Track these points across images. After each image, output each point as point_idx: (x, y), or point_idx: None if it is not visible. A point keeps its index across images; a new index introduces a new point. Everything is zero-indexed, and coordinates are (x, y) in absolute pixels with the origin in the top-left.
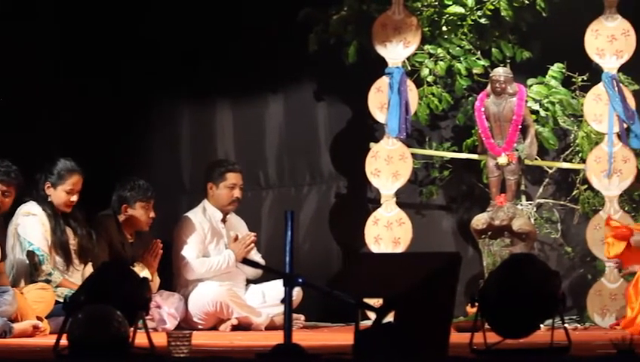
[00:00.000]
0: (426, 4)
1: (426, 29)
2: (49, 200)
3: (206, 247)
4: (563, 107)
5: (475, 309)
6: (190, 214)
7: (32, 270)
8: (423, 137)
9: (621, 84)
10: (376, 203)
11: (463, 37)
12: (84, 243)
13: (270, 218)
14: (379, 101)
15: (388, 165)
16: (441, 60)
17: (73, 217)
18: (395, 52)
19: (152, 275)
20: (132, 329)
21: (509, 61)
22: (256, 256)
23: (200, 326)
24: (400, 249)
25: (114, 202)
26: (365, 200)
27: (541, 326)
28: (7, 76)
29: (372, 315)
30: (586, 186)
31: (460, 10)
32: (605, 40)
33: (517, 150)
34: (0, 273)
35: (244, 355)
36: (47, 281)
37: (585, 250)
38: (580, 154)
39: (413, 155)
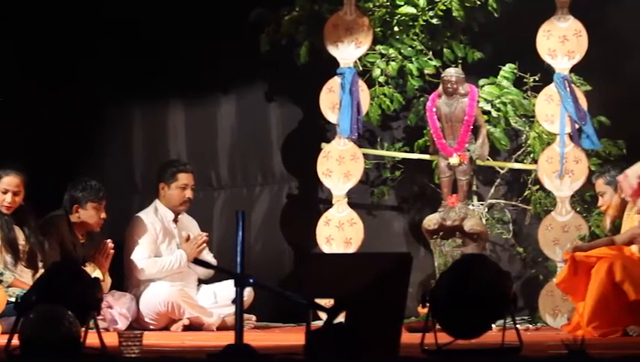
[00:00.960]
0: (377, 4)
1: (378, 29)
2: None
3: (158, 247)
4: (515, 107)
5: (426, 309)
6: (142, 214)
7: None
8: (374, 137)
9: (573, 85)
10: (328, 203)
11: (415, 37)
12: (34, 250)
13: (222, 218)
14: (330, 101)
15: (339, 165)
16: (393, 61)
17: (26, 223)
18: (347, 52)
19: (103, 275)
20: (83, 329)
21: (460, 61)
22: (207, 256)
23: (151, 327)
24: (351, 249)
25: (65, 202)
26: (317, 200)
27: (492, 326)
28: None
29: (323, 315)
30: (537, 187)
31: (411, 10)
32: (557, 40)
33: (468, 150)
34: None
35: (196, 355)
36: None
37: (536, 250)
38: (531, 155)
39: (365, 156)
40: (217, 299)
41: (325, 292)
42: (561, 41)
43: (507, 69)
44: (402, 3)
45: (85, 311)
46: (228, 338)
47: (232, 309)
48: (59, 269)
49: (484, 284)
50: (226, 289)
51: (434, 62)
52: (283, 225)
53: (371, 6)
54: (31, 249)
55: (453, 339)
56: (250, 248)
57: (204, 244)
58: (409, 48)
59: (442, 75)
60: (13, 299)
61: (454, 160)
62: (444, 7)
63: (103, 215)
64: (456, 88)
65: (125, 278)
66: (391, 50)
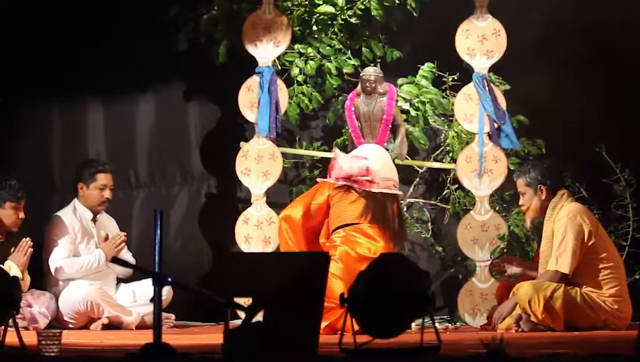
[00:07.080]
0: (296, 3)
1: (297, 28)
2: None
3: (76, 247)
4: (433, 107)
5: (344, 309)
6: (61, 213)
7: None
8: (293, 137)
9: (492, 84)
10: (247, 202)
11: (334, 36)
12: None
13: (141, 217)
14: (249, 100)
15: (258, 164)
16: (312, 60)
17: None
18: (266, 51)
19: (22, 274)
20: (2, 328)
21: (379, 60)
22: (126, 255)
23: (71, 325)
24: (270, 248)
25: None
26: (235, 199)
27: (412, 325)
28: None
29: (242, 314)
30: (456, 186)
31: (330, 9)
32: (476, 40)
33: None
34: None
35: (114, 354)
36: None
37: (456, 249)
38: (450, 154)
39: (284, 155)
40: (136, 298)
41: (244, 291)
42: (480, 41)
43: (426, 68)
44: (321, 2)
45: (4, 310)
46: (147, 337)
47: (151, 308)
48: None
49: (402, 283)
50: (145, 287)
51: (352, 62)
52: (202, 224)
53: (290, 5)
54: None
55: (371, 339)
56: (169, 247)
57: (123, 244)
58: (328, 47)
59: (361, 74)
60: None
61: None
62: (363, 7)
63: (22, 215)
64: (375, 87)
65: (44, 277)
66: (309, 49)
